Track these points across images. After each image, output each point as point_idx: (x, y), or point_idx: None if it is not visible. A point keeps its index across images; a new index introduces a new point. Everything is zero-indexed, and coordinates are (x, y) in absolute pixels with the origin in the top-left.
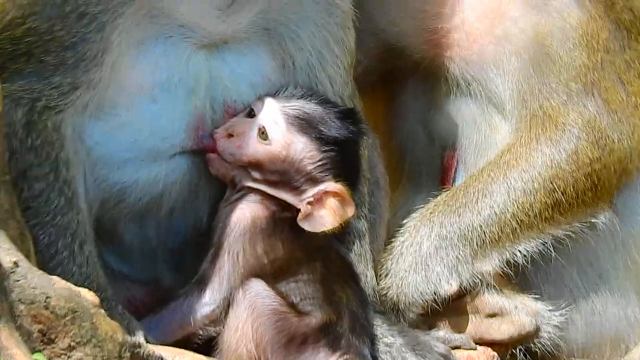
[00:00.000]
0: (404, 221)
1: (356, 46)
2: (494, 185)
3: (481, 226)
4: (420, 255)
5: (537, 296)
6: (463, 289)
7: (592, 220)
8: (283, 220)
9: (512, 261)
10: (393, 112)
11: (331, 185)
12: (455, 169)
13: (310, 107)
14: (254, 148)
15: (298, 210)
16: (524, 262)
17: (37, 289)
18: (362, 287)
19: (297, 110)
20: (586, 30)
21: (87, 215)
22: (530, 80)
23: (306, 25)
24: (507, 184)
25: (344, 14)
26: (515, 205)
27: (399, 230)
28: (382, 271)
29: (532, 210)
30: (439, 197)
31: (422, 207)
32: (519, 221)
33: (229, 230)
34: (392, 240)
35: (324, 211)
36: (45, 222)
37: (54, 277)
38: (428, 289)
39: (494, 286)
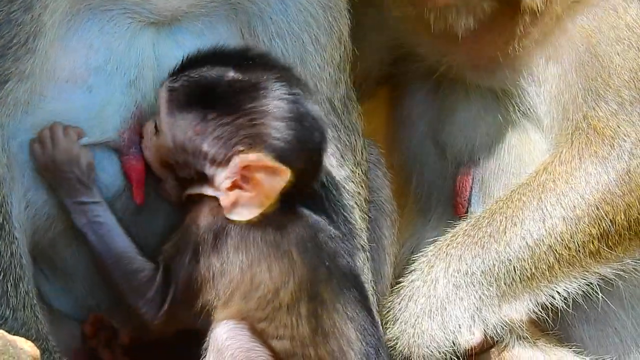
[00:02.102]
0: (414, 255)
1: (355, 40)
2: (526, 211)
3: (510, 260)
4: (436, 297)
5: (579, 349)
6: (489, 339)
7: None
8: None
9: (548, 305)
10: (398, 121)
11: (243, 158)
12: (471, 191)
13: (203, 72)
14: (149, 148)
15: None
16: (564, 306)
17: None
18: (375, 315)
19: (183, 81)
20: None
21: (22, 243)
22: (572, 88)
23: (281, 3)
24: (543, 210)
25: None
26: (553, 236)
27: (407, 266)
28: (389, 317)
29: (573, 242)
30: (457, 227)
31: (434, 238)
32: (557, 255)
33: (184, 227)
34: (400, 279)
35: (251, 190)
36: None
37: None
38: (446, 338)
39: (527, 337)
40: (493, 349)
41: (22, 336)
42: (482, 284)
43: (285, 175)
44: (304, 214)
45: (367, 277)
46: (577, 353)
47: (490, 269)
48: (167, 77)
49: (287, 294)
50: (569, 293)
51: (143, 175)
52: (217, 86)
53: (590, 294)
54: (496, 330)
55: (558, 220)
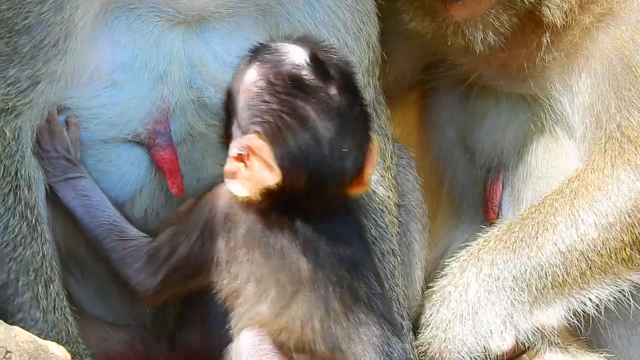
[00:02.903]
0: (445, 260)
1: (387, 46)
2: (558, 216)
3: (542, 266)
4: (467, 302)
5: (611, 355)
6: (520, 344)
7: None
8: (256, 211)
9: (580, 311)
10: (428, 126)
11: (252, 140)
12: (501, 196)
13: (287, 48)
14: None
15: None
16: (596, 313)
17: None
18: (394, 324)
19: (269, 47)
20: None
21: (53, 245)
22: (605, 98)
23: (309, 6)
24: (575, 215)
25: None
26: (585, 242)
27: (438, 270)
28: (420, 322)
29: (605, 248)
30: (489, 232)
31: (465, 242)
32: (589, 262)
33: (199, 206)
34: (431, 283)
35: (245, 171)
36: (3, 256)
37: (15, 327)
38: (477, 343)
39: (558, 343)
40: (524, 355)
41: (53, 339)
42: (514, 289)
43: (274, 177)
44: (327, 223)
45: (397, 282)
46: (609, 359)
47: (522, 274)
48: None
49: (299, 307)
50: (600, 300)
51: (176, 164)
52: (283, 67)
53: (621, 300)
54: (528, 336)
55: (590, 227)
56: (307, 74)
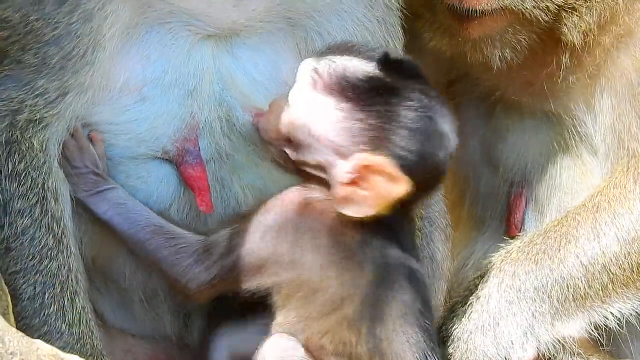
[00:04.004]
0: (467, 271)
1: (410, 54)
2: (580, 230)
3: (564, 278)
4: (489, 313)
5: None
6: (541, 356)
7: None
8: (321, 213)
9: (602, 325)
10: None
11: (367, 158)
12: (524, 211)
13: (345, 62)
14: (279, 118)
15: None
16: (618, 326)
17: (15, 356)
18: (434, 335)
19: (328, 69)
20: None
21: (78, 259)
22: (627, 119)
23: (338, 18)
24: (597, 229)
25: (389, 9)
26: (607, 256)
27: (460, 281)
28: (443, 333)
29: (627, 263)
30: (511, 244)
31: (487, 254)
32: (611, 276)
33: (260, 211)
34: (452, 292)
35: (366, 191)
36: (29, 268)
37: (37, 340)
38: (498, 355)
39: (580, 353)
40: None
41: (78, 352)
42: (535, 300)
43: (405, 186)
44: (386, 232)
45: None
46: None
47: (543, 285)
48: (313, 56)
49: (352, 307)
50: (622, 314)
51: (205, 182)
52: (357, 79)
53: None
54: (549, 348)
55: (612, 240)
56: (384, 77)
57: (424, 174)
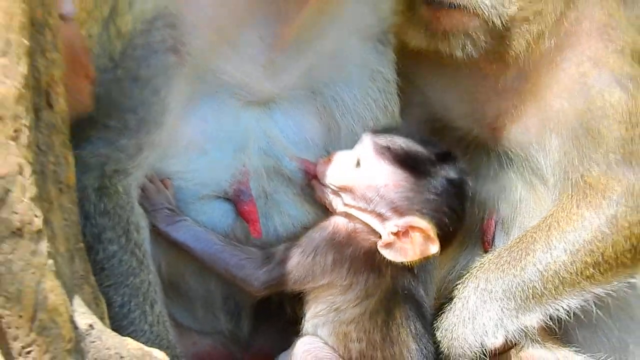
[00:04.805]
0: (452, 278)
1: (402, 115)
2: (536, 244)
3: (525, 282)
4: (468, 309)
5: (578, 349)
6: (508, 342)
7: (632, 281)
8: (361, 245)
9: (555, 316)
10: None
11: (417, 221)
12: (494, 231)
13: (406, 142)
14: (346, 173)
15: (379, 238)
16: (567, 317)
17: (111, 350)
18: (430, 333)
19: (392, 143)
20: (625, 108)
21: (155, 274)
22: (570, 155)
23: (350, 88)
24: (549, 243)
25: (388, 82)
26: (557, 264)
27: (446, 286)
28: (433, 325)
29: (573, 268)
30: (485, 257)
31: (467, 265)
32: (561, 278)
33: (311, 232)
34: (441, 295)
35: (407, 244)
36: (118, 283)
37: (127, 337)
38: (475, 341)
39: (538, 339)
40: (512, 350)
41: (156, 346)
42: (503, 299)
43: (436, 248)
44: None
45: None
46: (577, 352)
47: (509, 288)
48: (370, 130)
49: (373, 302)
50: (570, 308)
51: (256, 215)
52: (416, 157)
53: (586, 307)
54: (514, 335)
55: (561, 252)
56: (432, 162)
57: (449, 241)
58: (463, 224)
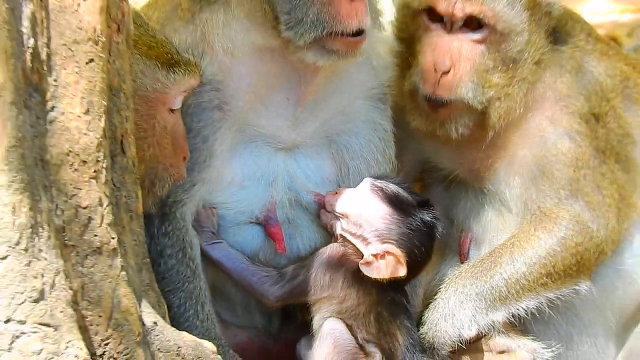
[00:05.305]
0: (435, 283)
1: (398, 158)
2: (502, 258)
3: (493, 287)
4: (448, 308)
5: (534, 338)
6: (480, 333)
7: (576, 288)
8: (351, 265)
9: (516, 314)
10: None
11: (393, 248)
12: (469, 247)
13: (397, 188)
14: (346, 203)
15: (362, 257)
16: (525, 314)
17: (170, 342)
18: (414, 327)
19: (386, 186)
20: (573, 155)
21: (205, 281)
22: (529, 191)
23: (357, 138)
24: (513, 258)
25: (386, 132)
26: (519, 273)
27: (431, 289)
28: (420, 320)
29: (531, 277)
30: (462, 267)
31: (447, 273)
32: (521, 285)
33: (313, 256)
34: (426, 297)
35: (382, 265)
36: (176, 289)
37: (183, 332)
38: (454, 333)
39: (503, 331)
40: (483, 339)
41: (206, 338)
42: (476, 300)
43: (404, 271)
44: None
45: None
46: (533, 340)
47: (481, 292)
48: (371, 175)
49: (363, 307)
50: (528, 307)
51: (281, 235)
52: (402, 199)
53: (540, 307)
54: (485, 328)
55: (522, 264)
56: (417, 207)
57: (415, 269)
58: (430, 258)
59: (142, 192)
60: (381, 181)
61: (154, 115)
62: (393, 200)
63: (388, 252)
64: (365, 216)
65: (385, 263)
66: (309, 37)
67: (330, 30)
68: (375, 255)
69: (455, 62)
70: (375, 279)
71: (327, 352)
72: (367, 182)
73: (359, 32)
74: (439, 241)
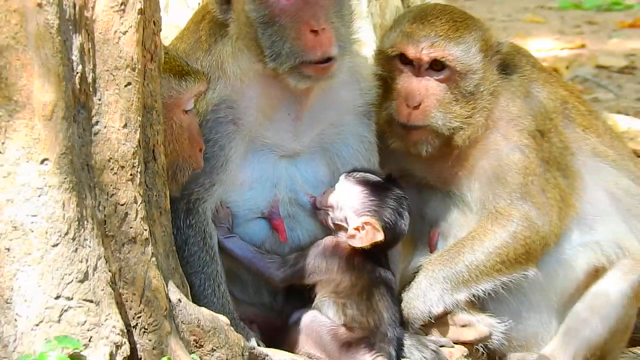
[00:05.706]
0: (409, 269)
1: (381, 166)
2: (465, 249)
3: (457, 272)
4: (420, 289)
5: (491, 314)
6: (446, 310)
7: (525, 273)
8: (343, 253)
9: (476, 294)
10: None
11: (369, 219)
12: (437, 240)
13: (364, 174)
14: (329, 196)
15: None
16: (483, 295)
17: (192, 315)
18: (396, 305)
19: (354, 174)
20: (523, 164)
21: (221, 265)
22: (487, 194)
23: (347, 148)
24: (473, 248)
25: (371, 144)
26: (478, 261)
27: (406, 274)
28: (398, 299)
29: (489, 264)
30: (431, 256)
31: (419, 261)
32: (480, 271)
33: (311, 246)
34: (403, 281)
35: (363, 234)
36: (197, 272)
37: (202, 307)
38: (425, 310)
39: (465, 308)
40: (449, 315)
41: (222, 313)
42: (443, 283)
43: (381, 236)
44: (377, 260)
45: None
46: (489, 316)
47: (447, 276)
48: (345, 172)
49: (357, 289)
50: (486, 289)
51: (283, 227)
52: (371, 181)
53: (496, 289)
54: (450, 306)
55: (480, 254)
56: (385, 184)
57: (393, 233)
58: (405, 222)
59: (167, 180)
60: (352, 172)
61: (171, 117)
62: (363, 182)
63: (366, 223)
64: (344, 199)
65: (365, 232)
66: (287, 66)
67: (301, 60)
68: (356, 228)
69: (424, 97)
70: (365, 261)
71: (308, 337)
72: (342, 176)
73: (328, 59)
74: (411, 235)
